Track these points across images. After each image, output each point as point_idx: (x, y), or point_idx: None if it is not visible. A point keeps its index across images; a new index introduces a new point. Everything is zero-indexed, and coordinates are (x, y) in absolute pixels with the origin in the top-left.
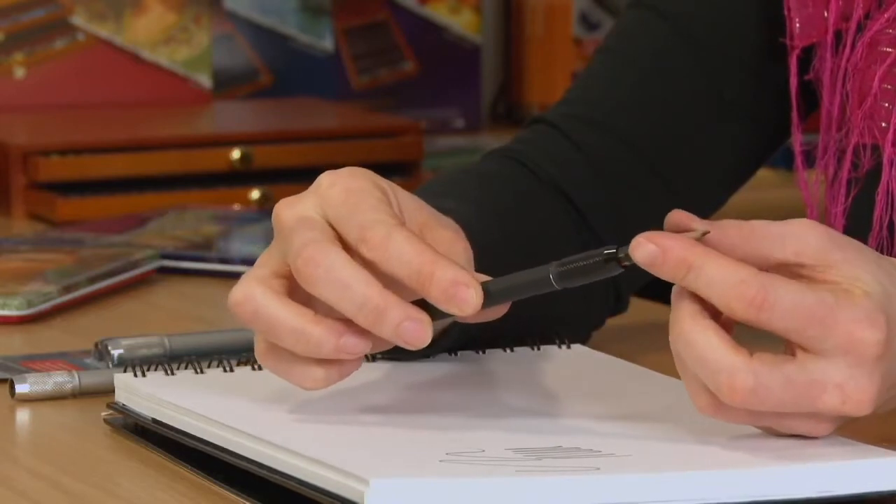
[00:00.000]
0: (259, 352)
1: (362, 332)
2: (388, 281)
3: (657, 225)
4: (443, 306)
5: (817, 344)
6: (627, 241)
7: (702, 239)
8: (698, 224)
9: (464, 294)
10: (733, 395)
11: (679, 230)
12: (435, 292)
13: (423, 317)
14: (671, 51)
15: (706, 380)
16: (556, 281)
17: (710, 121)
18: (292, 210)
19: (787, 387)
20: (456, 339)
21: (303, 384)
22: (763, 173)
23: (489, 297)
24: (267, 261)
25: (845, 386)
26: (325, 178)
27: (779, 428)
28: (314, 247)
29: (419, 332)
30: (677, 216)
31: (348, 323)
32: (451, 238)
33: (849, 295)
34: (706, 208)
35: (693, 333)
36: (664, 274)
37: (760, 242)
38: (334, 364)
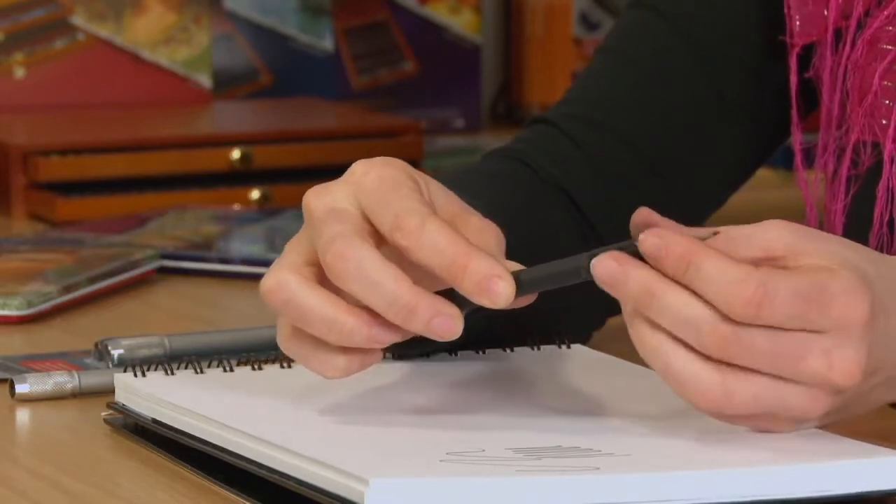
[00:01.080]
0: (283, 337)
1: (392, 322)
2: (417, 269)
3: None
4: (475, 298)
5: (816, 325)
6: (627, 239)
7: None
8: (664, 222)
9: (497, 287)
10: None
11: (645, 227)
12: (468, 284)
13: (454, 311)
14: (671, 51)
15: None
16: (588, 272)
17: (710, 120)
18: (322, 199)
19: (772, 342)
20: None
21: (323, 372)
22: (763, 173)
23: (520, 287)
24: (297, 248)
25: (832, 352)
26: (358, 167)
27: (776, 407)
28: (343, 241)
29: (450, 326)
30: (641, 214)
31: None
32: (483, 227)
33: (829, 270)
34: (706, 208)
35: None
36: (666, 268)
37: (728, 244)
38: (356, 353)
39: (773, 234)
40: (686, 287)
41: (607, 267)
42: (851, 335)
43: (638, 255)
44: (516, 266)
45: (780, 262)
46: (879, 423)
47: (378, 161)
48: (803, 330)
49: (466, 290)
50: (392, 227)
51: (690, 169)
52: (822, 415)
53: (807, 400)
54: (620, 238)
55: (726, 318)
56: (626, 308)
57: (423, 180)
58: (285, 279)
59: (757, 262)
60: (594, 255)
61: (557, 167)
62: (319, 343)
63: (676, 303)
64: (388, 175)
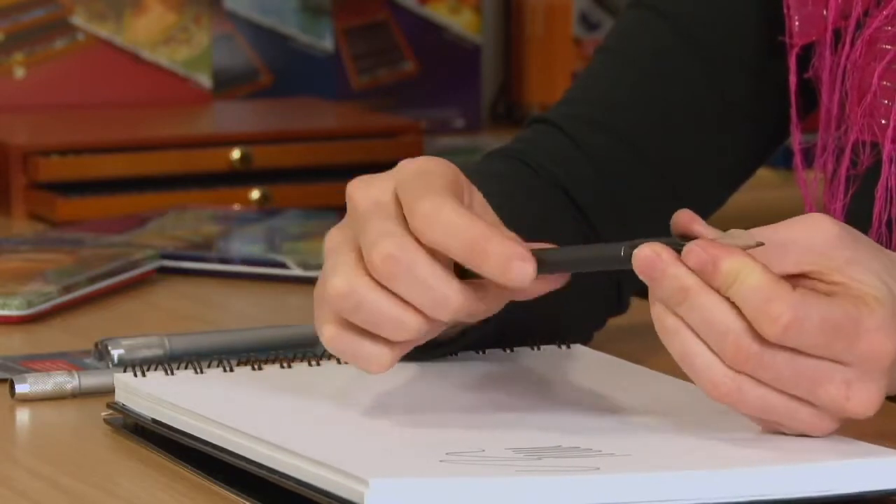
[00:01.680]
0: (329, 336)
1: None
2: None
3: (659, 225)
4: (498, 279)
5: (840, 356)
6: (629, 239)
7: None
8: (705, 230)
9: (518, 268)
10: (737, 355)
11: (684, 231)
12: (488, 268)
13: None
14: (672, 50)
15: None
16: (627, 260)
17: (711, 120)
18: (366, 192)
19: (793, 367)
20: (458, 341)
21: (369, 367)
22: (763, 173)
23: (548, 267)
24: (347, 244)
25: (853, 384)
26: (404, 161)
27: (783, 418)
28: (392, 242)
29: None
30: (684, 217)
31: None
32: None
33: (864, 304)
34: (707, 207)
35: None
36: (713, 282)
37: (764, 253)
38: (397, 346)
39: (809, 247)
40: (721, 293)
41: (648, 257)
42: (874, 371)
43: (679, 252)
44: (545, 246)
45: (811, 276)
46: (880, 422)
47: (423, 157)
48: (826, 358)
49: (488, 272)
50: (408, 211)
51: (691, 169)
52: (828, 434)
53: (817, 420)
54: (622, 236)
55: (753, 332)
56: (654, 293)
57: (466, 185)
58: (356, 284)
59: (793, 275)
60: (635, 245)
61: (558, 167)
62: (366, 339)
63: (708, 306)
64: (426, 168)
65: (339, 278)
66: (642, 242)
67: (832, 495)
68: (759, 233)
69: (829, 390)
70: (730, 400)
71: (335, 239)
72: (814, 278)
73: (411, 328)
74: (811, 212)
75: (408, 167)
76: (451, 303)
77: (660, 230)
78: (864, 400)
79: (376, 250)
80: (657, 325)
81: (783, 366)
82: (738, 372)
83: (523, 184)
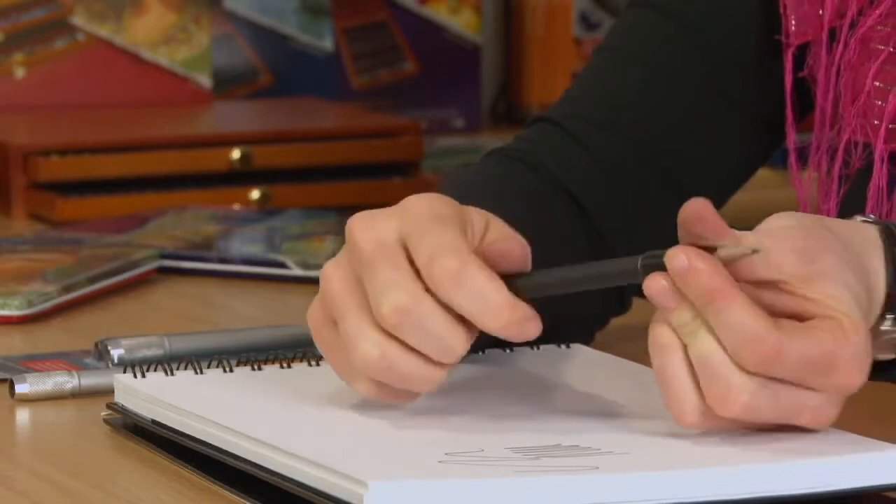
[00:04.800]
0: (367, 391)
1: None
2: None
3: (661, 224)
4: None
5: (817, 386)
6: (633, 239)
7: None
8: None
9: (530, 330)
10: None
11: (697, 220)
12: (501, 333)
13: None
14: (674, 49)
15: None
16: (642, 274)
17: (714, 119)
18: (369, 233)
19: (772, 399)
20: None
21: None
22: (763, 173)
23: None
24: (353, 290)
25: (819, 409)
26: (408, 198)
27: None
28: (402, 294)
29: None
30: (697, 207)
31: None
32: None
33: (841, 332)
34: None
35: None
36: (689, 294)
37: (747, 262)
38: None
39: (783, 256)
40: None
41: (656, 281)
42: (841, 397)
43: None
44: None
45: (785, 286)
46: (878, 422)
47: (429, 197)
48: (800, 385)
49: (501, 334)
50: (425, 263)
51: (694, 168)
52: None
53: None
54: (626, 236)
55: (737, 365)
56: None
57: (470, 220)
58: (387, 349)
59: (768, 283)
60: (650, 257)
61: (561, 166)
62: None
63: (697, 341)
64: (437, 212)
65: (367, 344)
66: (657, 254)
67: (831, 491)
68: (749, 235)
69: (801, 420)
70: (695, 429)
71: (337, 281)
72: (788, 289)
73: (437, 380)
74: (806, 211)
75: (415, 209)
76: (457, 351)
77: (663, 229)
78: (824, 421)
79: (386, 301)
80: (651, 337)
81: (762, 402)
82: (706, 408)
83: (525, 186)
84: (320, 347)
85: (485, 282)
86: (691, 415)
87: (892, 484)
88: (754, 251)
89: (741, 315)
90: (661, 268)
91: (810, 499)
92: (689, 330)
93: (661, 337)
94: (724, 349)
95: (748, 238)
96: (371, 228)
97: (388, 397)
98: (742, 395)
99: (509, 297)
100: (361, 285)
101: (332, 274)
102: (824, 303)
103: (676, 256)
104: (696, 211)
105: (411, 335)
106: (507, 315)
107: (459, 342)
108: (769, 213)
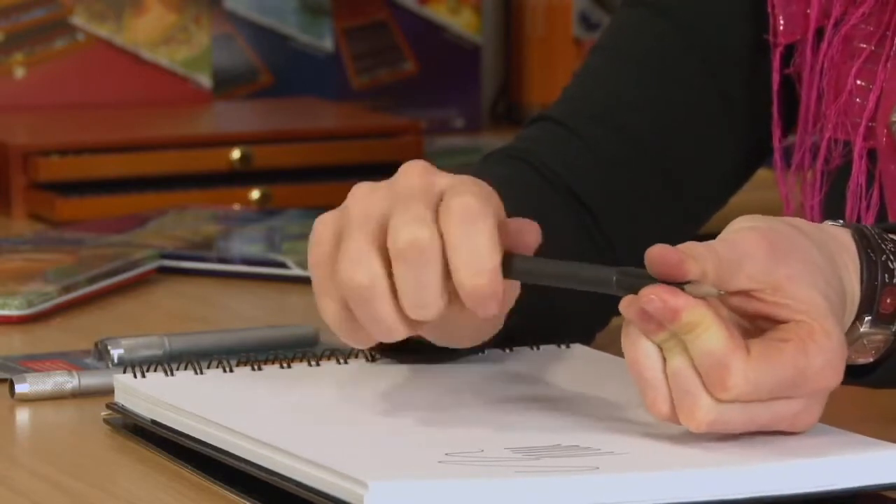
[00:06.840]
0: (333, 313)
1: None
2: None
3: (662, 222)
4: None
5: (792, 396)
6: (634, 237)
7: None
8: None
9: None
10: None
11: (661, 264)
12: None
13: None
14: (671, 48)
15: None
16: (615, 288)
17: (712, 119)
18: (414, 167)
19: (747, 416)
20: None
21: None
22: (761, 173)
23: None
24: (380, 217)
25: (798, 415)
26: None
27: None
28: (425, 232)
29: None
30: (658, 252)
31: None
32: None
33: (813, 341)
34: (710, 207)
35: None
36: (668, 326)
37: (718, 272)
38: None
39: (754, 263)
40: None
41: (629, 302)
42: (821, 398)
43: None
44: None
45: (757, 294)
46: (878, 422)
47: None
48: (775, 398)
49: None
50: (449, 198)
51: (693, 168)
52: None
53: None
54: (628, 235)
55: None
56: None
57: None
58: (374, 281)
59: (743, 293)
60: (622, 280)
61: (564, 165)
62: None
63: (674, 358)
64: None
65: (362, 270)
66: (632, 273)
67: (831, 490)
68: (718, 245)
69: (779, 427)
70: (668, 417)
71: (367, 201)
72: (759, 297)
73: (392, 336)
74: (789, 209)
75: (465, 177)
76: (429, 311)
77: (663, 227)
78: (804, 426)
79: (407, 231)
80: (624, 341)
81: (738, 419)
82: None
83: (527, 187)
84: (311, 255)
85: (487, 240)
86: (666, 410)
87: (891, 483)
88: (720, 293)
89: (716, 344)
90: (636, 290)
91: (810, 499)
92: (668, 347)
93: (635, 342)
94: (697, 372)
95: (715, 251)
96: (428, 172)
97: (344, 330)
98: (709, 414)
99: (498, 268)
100: (386, 218)
101: (365, 194)
102: (795, 307)
103: (651, 301)
104: (660, 255)
105: (406, 272)
106: (486, 282)
107: (434, 305)
108: (767, 213)
